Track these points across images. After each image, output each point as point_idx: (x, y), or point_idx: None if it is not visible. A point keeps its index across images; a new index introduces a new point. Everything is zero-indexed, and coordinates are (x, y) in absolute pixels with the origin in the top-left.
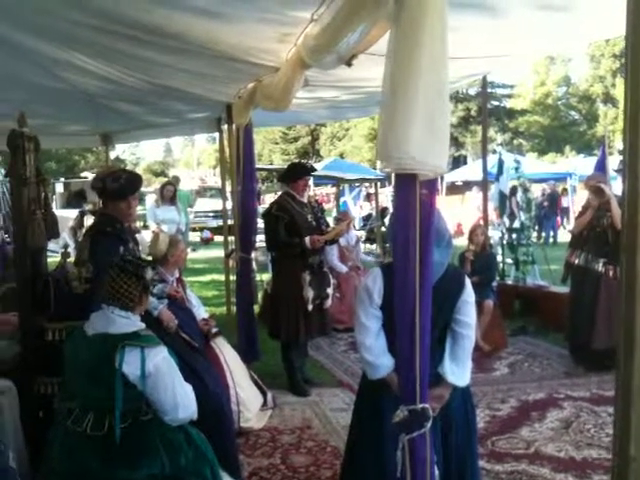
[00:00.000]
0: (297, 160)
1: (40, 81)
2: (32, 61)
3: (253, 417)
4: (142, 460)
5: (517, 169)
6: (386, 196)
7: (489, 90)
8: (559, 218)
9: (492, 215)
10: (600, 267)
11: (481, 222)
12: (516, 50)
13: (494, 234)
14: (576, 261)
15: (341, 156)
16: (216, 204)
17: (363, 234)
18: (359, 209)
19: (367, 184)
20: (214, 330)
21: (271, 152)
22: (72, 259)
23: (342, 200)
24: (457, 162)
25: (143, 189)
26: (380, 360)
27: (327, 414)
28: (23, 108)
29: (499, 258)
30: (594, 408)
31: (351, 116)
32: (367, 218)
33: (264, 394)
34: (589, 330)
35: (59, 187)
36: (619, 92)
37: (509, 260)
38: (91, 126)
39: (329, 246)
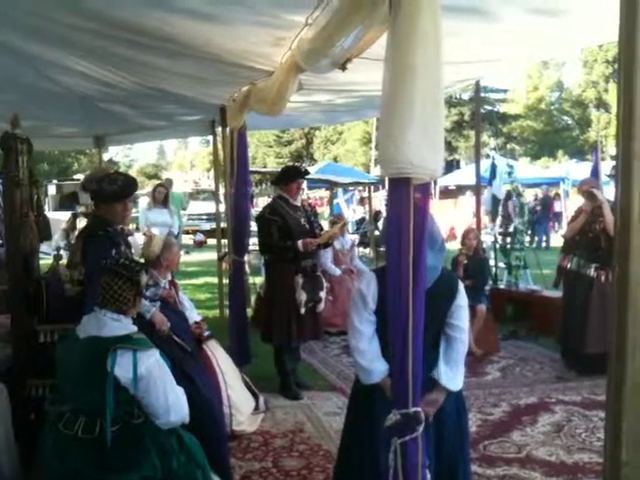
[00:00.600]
0: (291, 163)
1: (33, 83)
2: (25, 63)
3: (245, 420)
4: (133, 463)
5: (510, 174)
6: (379, 200)
7: (482, 95)
8: (551, 223)
9: (485, 219)
10: (592, 272)
11: (474, 226)
12: (509, 55)
13: (487, 238)
14: (568, 265)
15: (335, 160)
16: (209, 207)
17: (356, 238)
18: (352, 213)
19: (361, 188)
20: (206, 333)
21: (265, 155)
22: (64, 261)
23: (335, 202)
24: (450, 166)
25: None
26: (374, 365)
27: (319, 418)
28: (16, 110)
29: (492, 262)
30: (586, 412)
31: (345, 120)
32: (360, 222)
33: (256, 397)
34: (581, 334)
35: (51, 189)
36: (612, 97)
37: (502, 264)
38: (84, 128)
39: (323, 249)
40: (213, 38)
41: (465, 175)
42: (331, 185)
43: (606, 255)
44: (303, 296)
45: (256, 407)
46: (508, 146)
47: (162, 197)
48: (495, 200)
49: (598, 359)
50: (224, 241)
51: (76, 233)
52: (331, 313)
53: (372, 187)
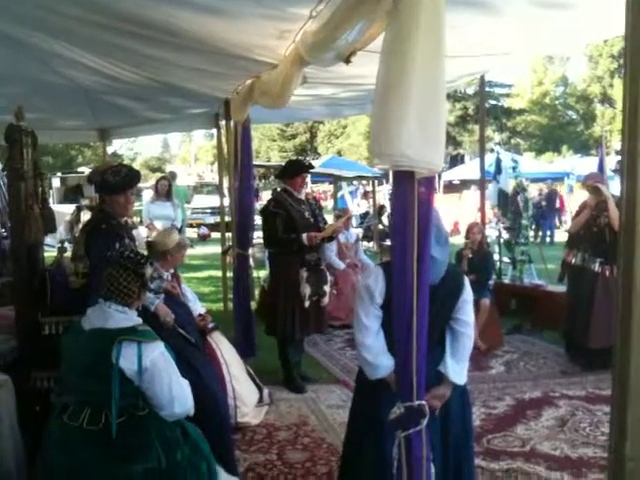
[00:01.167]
0: (295, 157)
1: (38, 76)
2: (30, 56)
3: (250, 412)
4: (138, 455)
5: (515, 168)
6: (383, 194)
7: (487, 89)
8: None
9: (490, 214)
10: (597, 266)
11: (478, 221)
12: (514, 49)
13: (491, 233)
14: (573, 260)
15: (339, 153)
16: (213, 200)
17: (360, 232)
18: (356, 207)
19: (364, 182)
20: (210, 325)
21: (269, 149)
22: (69, 254)
23: (340, 194)
24: (454, 161)
25: (140, 185)
26: (379, 360)
27: (323, 411)
28: (21, 102)
29: (496, 257)
30: (590, 407)
31: (349, 113)
32: (364, 216)
33: (260, 390)
34: (585, 329)
35: (56, 182)
36: (617, 92)
37: (506, 259)
38: (88, 121)
39: (327, 243)
40: (217, 31)
41: (469, 170)
42: (335, 179)
43: (611, 250)
44: (307, 290)
45: (260, 399)
46: (512, 141)
47: (165, 190)
48: (502, 194)
49: (602, 354)
50: (228, 235)
51: (80, 226)
52: (335, 307)
53: (376, 181)
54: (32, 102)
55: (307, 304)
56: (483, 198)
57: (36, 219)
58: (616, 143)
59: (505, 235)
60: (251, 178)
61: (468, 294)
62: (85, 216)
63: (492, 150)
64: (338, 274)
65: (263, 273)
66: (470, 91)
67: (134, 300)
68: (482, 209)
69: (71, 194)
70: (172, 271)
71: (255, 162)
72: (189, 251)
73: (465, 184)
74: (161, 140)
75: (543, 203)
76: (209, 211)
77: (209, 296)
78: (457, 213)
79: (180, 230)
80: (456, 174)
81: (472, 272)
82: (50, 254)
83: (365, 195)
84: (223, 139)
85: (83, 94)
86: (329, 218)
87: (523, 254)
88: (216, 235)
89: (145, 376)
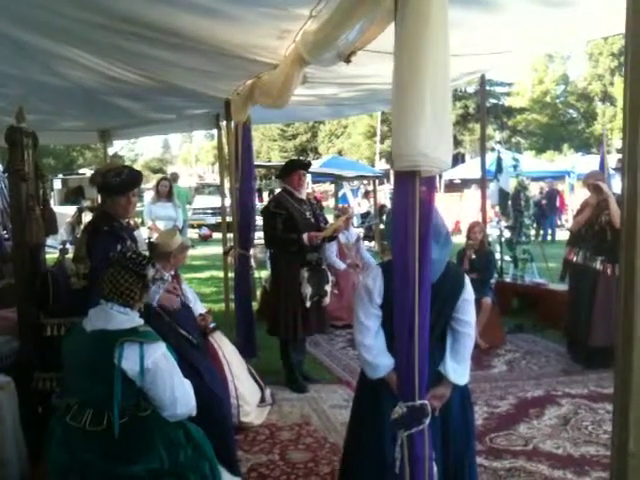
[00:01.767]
0: (295, 157)
1: (38, 77)
2: (30, 57)
3: (252, 411)
4: (141, 455)
5: (515, 167)
6: (384, 194)
7: (487, 88)
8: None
9: (490, 212)
10: (598, 265)
11: (479, 220)
12: (515, 47)
13: (492, 232)
14: (574, 259)
15: (339, 153)
16: (214, 201)
17: (361, 231)
18: (357, 206)
19: (365, 181)
20: (212, 325)
21: (269, 149)
22: (70, 255)
23: (341, 193)
24: (455, 160)
25: (142, 186)
26: (379, 359)
27: (326, 411)
28: (21, 104)
29: (497, 256)
30: (592, 405)
31: (350, 113)
32: (365, 215)
33: (262, 390)
34: (587, 327)
35: (57, 183)
36: (617, 90)
37: (507, 258)
38: (89, 122)
39: (328, 243)
40: (218, 31)
41: (470, 169)
42: (336, 179)
43: (612, 248)
44: (308, 290)
45: (262, 399)
46: (513, 139)
47: (166, 191)
48: (503, 193)
49: (604, 352)
50: (230, 235)
51: (82, 227)
52: (336, 307)
53: (377, 180)
54: (33, 103)
55: (308, 304)
56: (484, 197)
57: (37, 220)
58: (617, 141)
59: (506, 234)
60: (252, 178)
61: (469, 293)
62: (86, 217)
63: (493, 149)
64: (339, 274)
65: (265, 273)
66: (471, 90)
67: (136, 301)
68: (483, 208)
69: (72, 196)
70: (172, 272)
71: (256, 162)
72: (190, 251)
73: (466, 183)
74: (162, 141)
75: (543, 202)
76: (210, 212)
77: (211, 296)
78: (458, 212)
79: (181, 231)
80: (457, 173)
81: (473, 271)
82: (52, 255)
83: (366, 195)
84: (224, 139)
85: (83, 95)
86: (330, 218)
87: (524, 253)
88: (217, 235)
89: (147, 377)
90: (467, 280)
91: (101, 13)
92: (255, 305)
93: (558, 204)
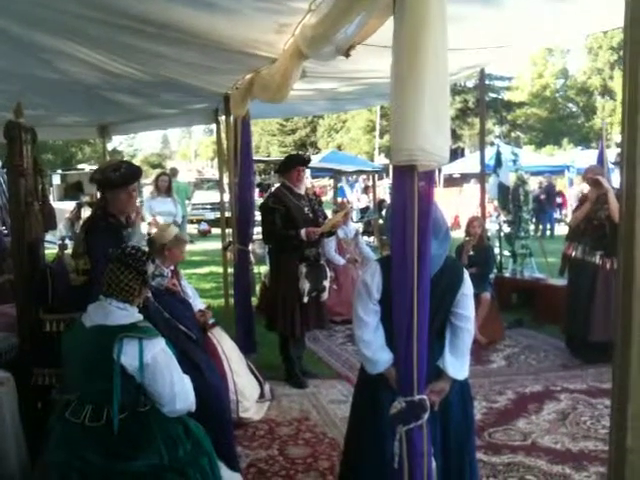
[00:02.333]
0: (295, 152)
1: (37, 72)
2: (29, 52)
3: (251, 407)
4: (140, 451)
5: (515, 162)
6: (384, 188)
7: (487, 82)
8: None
9: (490, 207)
10: (597, 259)
11: (479, 214)
12: (514, 41)
13: (491, 226)
14: (573, 253)
15: (339, 148)
16: (213, 196)
17: (360, 226)
18: (357, 201)
19: (364, 176)
20: (211, 321)
21: (268, 144)
22: (69, 251)
23: (339, 185)
24: (454, 154)
25: (141, 181)
26: (379, 355)
27: (325, 406)
28: (20, 99)
29: (496, 250)
30: (591, 400)
31: (349, 108)
32: (364, 210)
33: (261, 385)
34: (586, 322)
35: (56, 179)
36: (617, 84)
37: (507, 252)
38: (88, 117)
39: (327, 238)
40: (216, 25)
41: (469, 163)
42: (335, 173)
43: (611, 243)
44: (306, 285)
45: (261, 395)
46: (513, 134)
47: (165, 186)
48: (502, 188)
49: (603, 347)
50: (229, 230)
51: (81, 223)
52: (336, 302)
53: (376, 175)
54: (31, 99)
55: (306, 300)
56: (483, 192)
57: (36, 216)
58: (616, 135)
59: (505, 229)
60: (251, 173)
61: (468, 288)
62: (85, 213)
63: (492, 143)
64: (338, 269)
65: (264, 269)
66: (470, 84)
67: (135, 297)
68: (482, 203)
69: (71, 191)
70: (172, 267)
71: (255, 157)
72: (190, 247)
73: (465, 178)
74: (161, 136)
75: (542, 196)
76: (209, 207)
77: (210, 292)
78: (457, 207)
79: (181, 226)
80: (456, 168)
81: (472, 266)
82: (50, 251)
83: (365, 189)
84: (223, 134)
85: (82, 90)
86: (329, 212)
87: (524, 247)
88: (217, 231)
89: (146, 372)
90: (466, 275)
91: (99, 8)
92: (254, 300)
93: (560, 200)
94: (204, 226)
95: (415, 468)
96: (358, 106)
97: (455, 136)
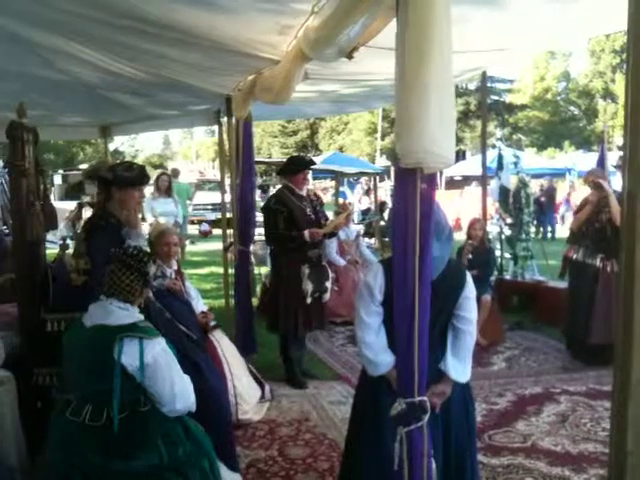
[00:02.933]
0: (296, 154)
1: (39, 72)
2: (31, 52)
3: (251, 409)
4: (140, 451)
5: (516, 164)
6: (385, 190)
7: (489, 85)
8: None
9: (491, 210)
10: (598, 262)
11: (480, 216)
12: (517, 44)
13: (493, 229)
14: (574, 256)
15: (340, 150)
16: (215, 197)
17: (362, 228)
18: (358, 203)
19: (366, 178)
20: (212, 323)
21: (270, 145)
22: (70, 251)
23: (340, 190)
24: (456, 157)
25: None
26: (380, 357)
27: (325, 407)
28: (22, 99)
29: (497, 253)
30: (591, 402)
31: (352, 110)
32: (366, 212)
33: (262, 386)
34: (586, 325)
35: (57, 179)
36: (619, 88)
37: (507, 255)
38: (90, 118)
39: (328, 239)
40: (218, 26)
41: (471, 165)
42: (336, 175)
43: (612, 245)
44: (309, 286)
45: (262, 396)
46: (514, 136)
47: (166, 186)
48: (504, 190)
49: (603, 350)
50: (230, 231)
51: (82, 223)
52: (336, 303)
53: (377, 177)
54: (33, 99)
55: (309, 301)
56: (485, 194)
57: (38, 216)
58: (618, 139)
59: (507, 231)
60: (252, 175)
61: (470, 291)
62: (86, 213)
63: (494, 146)
64: (339, 271)
65: (264, 270)
66: (472, 86)
67: (136, 297)
68: (484, 205)
69: (72, 191)
70: (175, 268)
71: (256, 159)
72: (191, 248)
73: (467, 180)
74: (162, 137)
75: (542, 199)
76: (210, 207)
77: (211, 292)
78: (459, 209)
79: (182, 227)
80: (458, 170)
81: (473, 268)
82: (52, 251)
83: (367, 191)
84: (224, 136)
85: (84, 90)
86: (330, 214)
87: (524, 250)
88: (218, 232)
89: (147, 372)
90: (469, 277)
91: (101, 8)
92: (255, 301)
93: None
94: (205, 227)
95: (415, 470)
96: (360, 108)
97: (457, 138)
